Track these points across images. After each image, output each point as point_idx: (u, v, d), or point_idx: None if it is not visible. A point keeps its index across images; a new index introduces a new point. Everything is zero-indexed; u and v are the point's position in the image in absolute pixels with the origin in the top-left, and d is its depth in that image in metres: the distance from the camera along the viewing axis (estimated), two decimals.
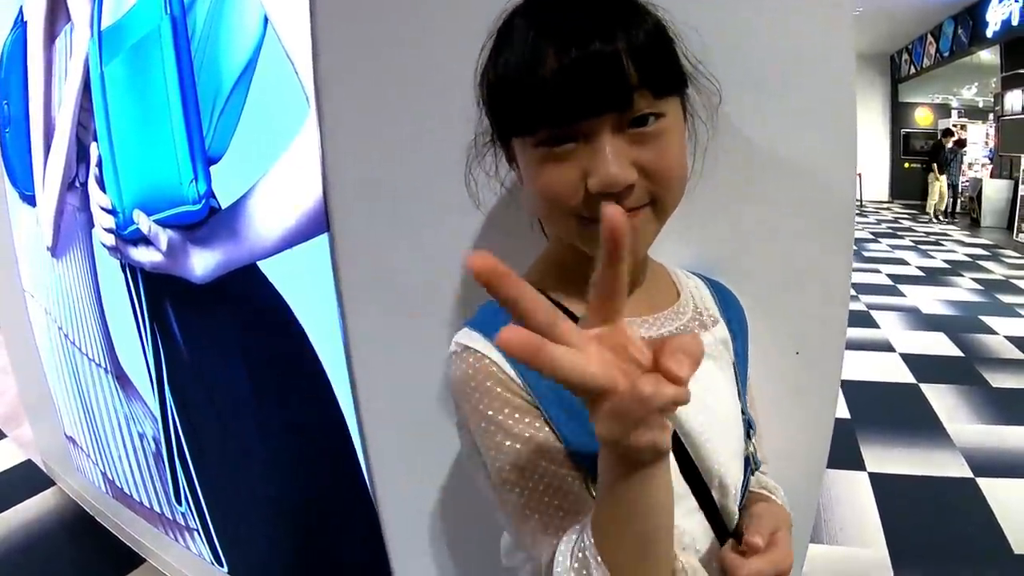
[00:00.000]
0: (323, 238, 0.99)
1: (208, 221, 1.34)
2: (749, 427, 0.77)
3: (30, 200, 2.18)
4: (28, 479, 3.02)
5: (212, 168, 1.30)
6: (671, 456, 0.64)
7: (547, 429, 0.62)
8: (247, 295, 1.30)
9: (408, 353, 1.01)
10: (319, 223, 0.99)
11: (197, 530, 1.89)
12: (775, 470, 0.90)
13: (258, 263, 1.25)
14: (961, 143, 11.64)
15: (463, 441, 0.69)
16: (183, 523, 1.96)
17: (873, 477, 2.88)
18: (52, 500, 2.84)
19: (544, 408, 0.63)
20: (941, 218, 11.45)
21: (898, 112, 14.41)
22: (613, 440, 0.44)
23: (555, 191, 0.61)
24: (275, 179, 1.13)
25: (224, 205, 1.29)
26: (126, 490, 2.26)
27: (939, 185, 11.52)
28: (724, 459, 0.70)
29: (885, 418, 3.44)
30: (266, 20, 1.07)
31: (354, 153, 0.96)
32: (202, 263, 1.40)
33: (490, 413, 0.62)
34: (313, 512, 1.44)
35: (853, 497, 2.73)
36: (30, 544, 2.52)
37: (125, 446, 2.13)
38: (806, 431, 0.95)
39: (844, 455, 3.08)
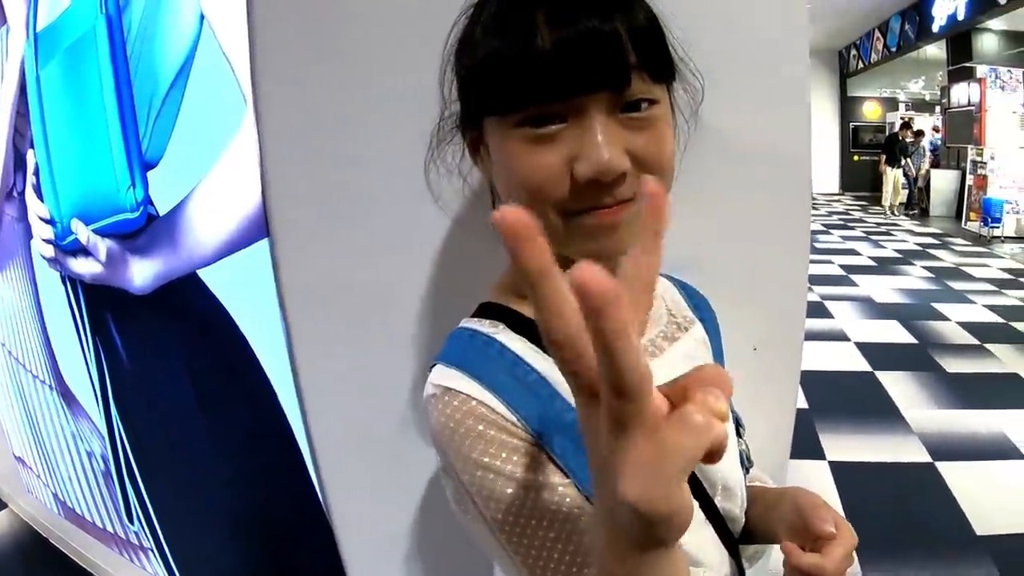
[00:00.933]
0: (263, 244, 0.95)
1: (146, 229, 1.30)
2: (737, 424, 0.74)
3: None
4: None
5: (149, 174, 1.25)
6: None
7: (551, 467, 0.56)
8: (188, 306, 1.26)
9: (355, 361, 0.98)
10: (259, 228, 0.96)
11: (151, 549, 1.83)
12: None
13: (198, 272, 1.20)
14: (920, 134, 11.55)
15: (448, 488, 0.61)
16: (137, 543, 1.90)
17: (833, 466, 2.93)
18: (5, 523, 2.74)
19: (546, 442, 0.56)
20: (896, 212, 11.32)
21: (847, 106, 14.82)
22: (661, 491, 0.32)
23: (538, 178, 0.54)
24: (213, 184, 1.09)
25: (162, 212, 1.25)
26: (78, 510, 2.19)
27: (892, 178, 11.44)
28: (723, 462, 0.66)
29: (843, 407, 3.50)
30: (202, 17, 1.03)
31: (294, 154, 0.93)
32: (141, 273, 1.35)
33: (485, 459, 0.55)
34: (267, 526, 1.39)
35: (813, 486, 2.71)
36: None
37: (74, 465, 2.06)
38: (768, 429, 0.94)
39: (804, 445, 3.12)
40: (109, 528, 2.03)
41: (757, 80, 0.82)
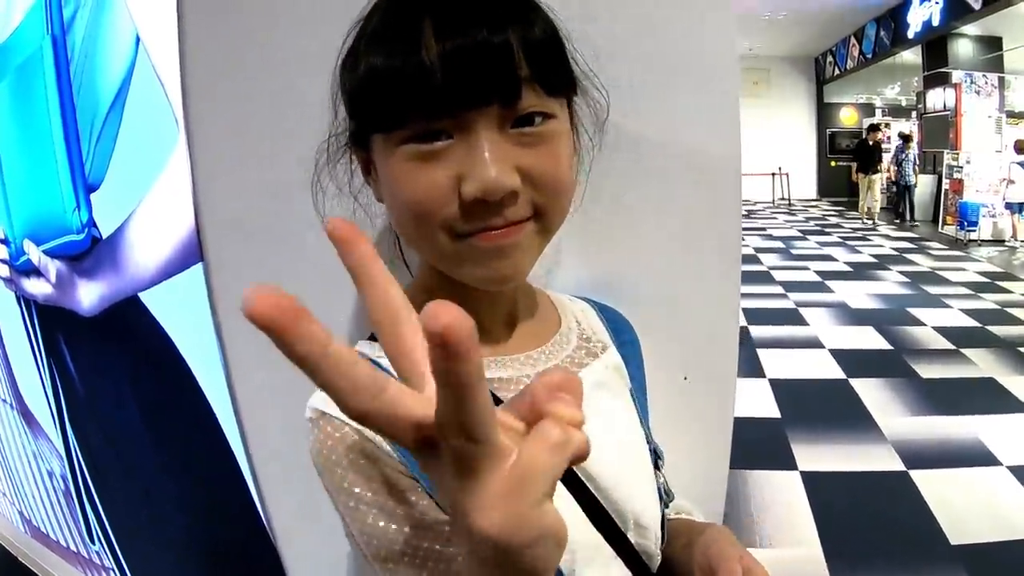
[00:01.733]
0: (198, 267, 0.95)
1: (92, 251, 1.28)
2: (656, 456, 0.70)
3: None
4: None
5: (92, 196, 1.24)
6: (575, 502, 0.59)
7: (427, 501, 0.53)
8: (131, 328, 1.25)
9: (291, 382, 0.97)
10: (192, 252, 0.95)
11: (112, 570, 1.81)
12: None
13: (140, 295, 1.19)
14: (907, 139, 10.95)
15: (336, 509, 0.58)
16: (99, 562, 1.88)
17: (805, 476, 2.91)
18: None
19: (421, 477, 0.53)
20: (874, 222, 10.99)
21: (824, 112, 15.00)
22: (516, 523, 0.29)
23: (422, 198, 0.52)
24: (149, 207, 1.09)
25: (105, 235, 1.24)
26: (43, 529, 2.16)
27: (867, 183, 11.21)
28: (637, 496, 0.63)
29: (816, 415, 3.51)
30: (138, 39, 1.03)
31: (226, 178, 0.92)
32: (88, 295, 1.34)
33: (357, 490, 0.52)
34: (216, 545, 1.38)
35: (786, 498, 2.75)
36: None
37: (37, 484, 2.04)
38: (702, 460, 0.91)
39: (775, 455, 3.11)
40: (72, 547, 2.00)
41: (683, 91, 0.79)
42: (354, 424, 0.49)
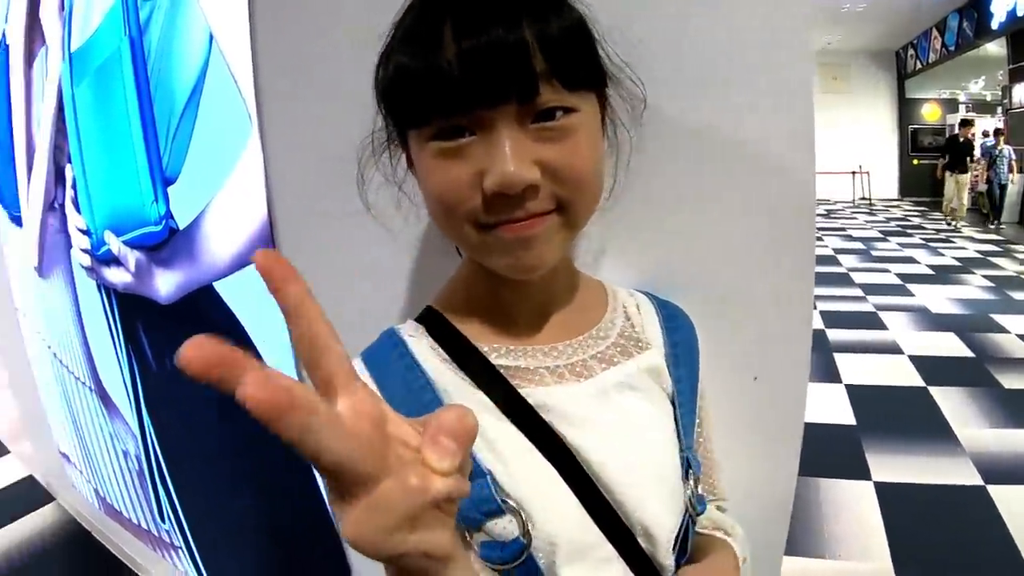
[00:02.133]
0: None
1: (169, 242, 1.33)
2: (688, 467, 0.68)
3: (17, 220, 2.19)
4: (29, 495, 3.03)
5: (170, 189, 1.28)
6: (577, 500, 0.60)
7: None
8: (206, 316, 1.29)
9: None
10: (266, 243, 0.97)
11: (181, 548, 1.88)
12: (740, 504, 0.83)
13: (214, 284, 1.23)
14: (999, 133, 10.12)
15: None
16: (168, 541, 1.95)
17: (879, 486, 2.79)
18: (51, 516, 2.85)
19: None
20: (957, 224, 10.09)
21: (905, 108, 14.32)
22: (364, 543, 0.33)
23: (448, 191, 0.55)
24: (224, 200, 1.12)
25: (182, 226, 1.28)
26: (116, 507, 2.27)
27: (954, 183, 10.32)
28: (648, 502, 0.63)
29: (892, 424, 3.35)
30: (211, 38, 1.05)
31: (297, 170, 0.94)
32: (165, 284, 1.39)
33: None
34: (289, 533, 1.42)
35: (857, 508, 2.64)
36: (29, 560, 2.53)
37: (112, 463, 2.13)
38: (769, 464, 0.88)
39: (848, 464, 2.99)
40: (144, 525, 2.09)
41: (753, 80, 0.77)
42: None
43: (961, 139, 10.47)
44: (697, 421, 0.73)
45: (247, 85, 0.95)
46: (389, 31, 0.59)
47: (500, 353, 0.64)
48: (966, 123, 10.76)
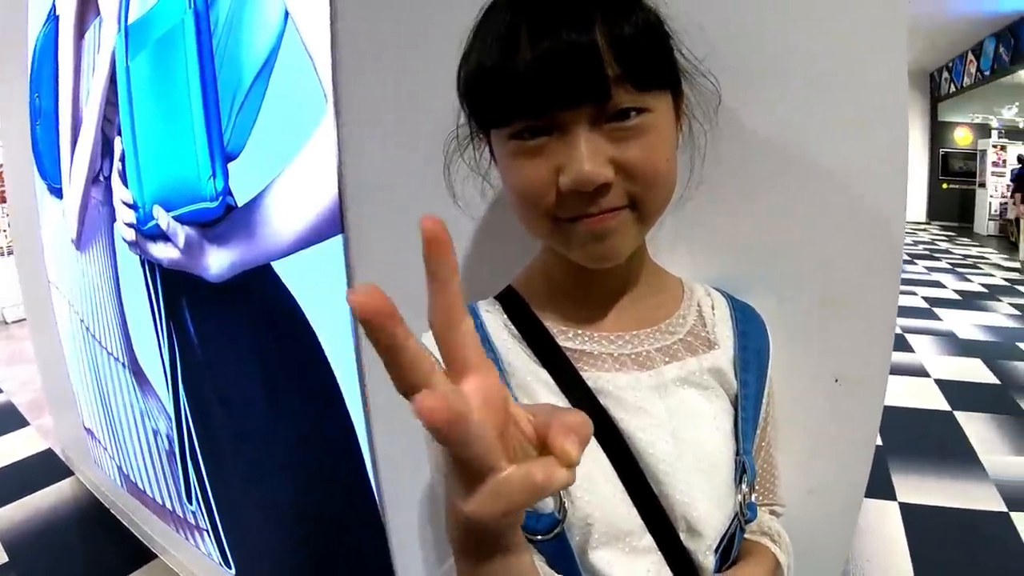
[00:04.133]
0: (337, 240, 0.95)
1: (225, 219, 1.32)
2: (743, 471, 0.68)
3: (57, 192, 2.19)
4: (48, 468, 3.06)
5: (230, 165, 1.27)
6: (625, 490, 0.62)
7: None
8: (260, 296, 1.28)
9: None
10: (334, 224, 0.96)
11: (207, 530, 1.87)
12: (807, 506, 0.84)
13: (272, 264, 1.21)
14: None
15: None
16: (193, 522, 1.95)
17: (904, 507, 2.78)
18: (69, 490, 2.86)
19: None
20: None
21: (937, 131, 14.15)
22: (480, 518, 0.36)
23: (527, 188, 0.57)
24: (291, 178, 1.10)
25: (241, 203, 1.27)
26: (140, 485, 2.26)
27: None
28: (695, 498, 0.63)
29: (918, 446, 3.31)
30: (287, 14, 1.04)
31: (370, 153, 0.93)
32: (217, 262, 1.38)
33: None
34: (321, 519, 1.40)
35: (882, 528, 2.63)
36: (47, 532, 2.54)
37: (140, 442, 2.13)
38: (843, 468, 0.87)
39: (874, 483, 2.91)
40: (168, 505, 2.09)
41: (851, 87, 0.76)
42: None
43: None
44: (761, 426, 0.73)
45: (324, 62, 0.94)
46: (471, 30, 0.60)
47: (568, 336, 0.66)
48: None
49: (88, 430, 2.60)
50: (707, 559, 0.64)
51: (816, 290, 0.82)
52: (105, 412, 2.34)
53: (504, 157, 0.59)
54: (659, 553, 0.62)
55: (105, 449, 2.47)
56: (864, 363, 0.84)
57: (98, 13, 1.76)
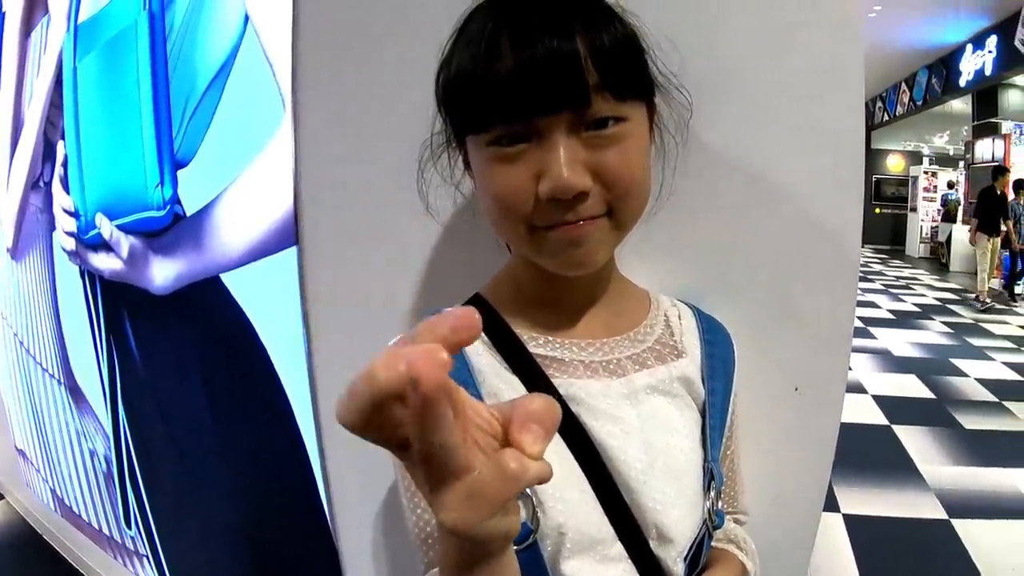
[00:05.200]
0: (290, 251, 0.93)
1: (171, 228, 1.28)
2: (710, 478, 0.68)
3: None
4: None
5: (179, 173, 1.23)
6: (593, 494, 0.62)
7: None
8: (207, 309, 1.23)
9: None
10: (288, 235, 0.93)
11: (147, 556, 1.79)
12: (771, 513, 0.85)
13: (221, 275, 1.18)
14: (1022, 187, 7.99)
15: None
16: (132, 548, 1.86)
17: (848, 519, 2.86)
18: (0, 515, 2.71)
19: None
20: (989, 301, 7.63)
21: (871, 158, 14.79)
22: (466, 527, 0.34)
23: (505, 194, 0.57)
24: (244, 187, 1.07)
25: (189, 212, 1.23)
26: (75, 509, 2.16)
27: (990, 250, 7.92)
28: (666, 506, 0.63)
29: (859, 460, 3.42)
30: (247, 18, 1.02)
31: (327, 161, 0.91)
32: (162, 273, 1.33)
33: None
34: (269, 542, 1.35)
35: (828, 540, 2.70)
36: None
37: (75, 463, 2.04)
38: (803, 475, 0.90)
39: None
40: (105, 530, 2.00)
41: (809, 104, 0.80)
42: None
43: (998, 191, 7.92)
44: (727, 435, 0.74)
45: (283, 68, 0.92)
46: (452, 35, 0.60)
47: (539, 343, 0.66)
48: (1002, 171, 8.25)
49: (20, 451, 2.48)
50: (677, 567, 0.64)
51: (777, 302, 0.85)
52: (39, 432, 2.24)
53: (482, 164, 0.59)
54: (629, 561, 0.62)
55: (38, 471, 2.36)
56: (822, 372, 0.86)
57: (46, 11, 1.70)
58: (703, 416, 0.71)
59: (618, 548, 0.62)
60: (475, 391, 0.63)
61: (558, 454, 0.61)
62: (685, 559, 0.66)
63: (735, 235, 0.83)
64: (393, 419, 0.32)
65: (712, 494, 0.68)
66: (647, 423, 0.65)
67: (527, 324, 0.67)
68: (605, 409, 0.64)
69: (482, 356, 0.65)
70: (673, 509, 0.63)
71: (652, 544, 0.63)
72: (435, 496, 0.34)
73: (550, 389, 0.63)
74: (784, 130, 0.80)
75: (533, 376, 0.64)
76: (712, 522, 0.68)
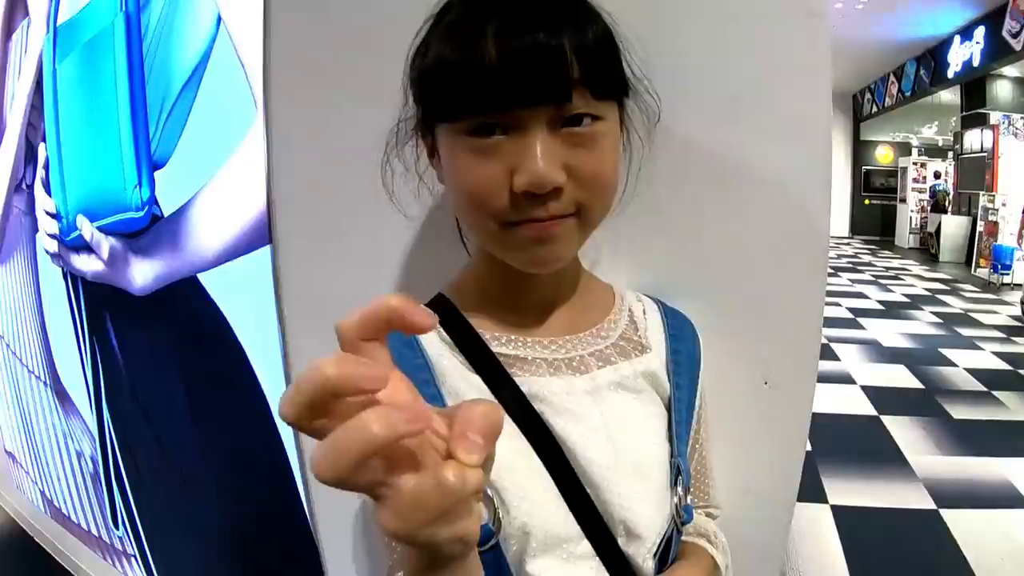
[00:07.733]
0: (265, 250, 0.93)
1: (150, 229, 1.28)
2: (677, 474, 0.68)
3: None
4: None
5: (157, 174, 1.23)
6: (561, 496, 0.62)
7: None
8: (186, 309, 1.24)
9: None
10: (261, 234, 0.94)
11: (134, 556, 1.80)
12: (743, 507, 0.86)
13: (199, 276, 1.18)
14: None
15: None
16: (120, 548, 1.86)
17: (835, 509, 2.86)
18: None
19: None
20: None
21: (859, 150, 14.83)
22: (408, 535, 0.34)
23: (478, 188, 0.56)
24: (218, 188, 1.08)
25: (167, 213, 1.23)
26: (64, 510, 2.16)
27: None
28: (633, 502, 0.64)
29: (847, 450, 3.43)
30: (219, 19, 1.02)
31: (300, 161, 0.91)
32: (142, 274, 1.33)
33: None
34: (253, 541, 1.36)
35: (816, 530, 2.70)
36: None
37: (63, 464, 2.04)
38: (775, 469, 0.90)
39: (806, 487, 3.01)
40: (93, 531, 2.00)
41: (775, 97, 0.80)
42: None
43: None
44: (694, 428, 0.74)
45: (255, 69, 0.92)
46: (427, 23, 0.59)
47: (501, 342, 0.66)
48: None
49: (9, 453, 2.47)
50: (646, 563, 0.64)
51: (744, 295, 0.85)
52: (26, 433, 2.24)
53: (454, 154, 0.57)
54: (597, 559, 0.62)
55: (27, 473, 2.35)
56: (791, 365, 0.86)
57: (27, 14, 1.69)
58: (669, 411, 0.71)
59: (585, 546, 0.62)
60: (435, 391, 0.63)
61: (521, 453, 0.62)
62: (654, 555, 0.66)
63: (702, 229, 0.84)
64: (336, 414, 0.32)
65: (680, 489, 0.67)
66: (611, 420, 0.65)
67: (490, 323, 0.67)
68: (568, 407, 0.64)
69: (444, 357, 0.65)
70: (640, 505, 0.64)
71: (620, 541, 0.63)
72: (380, 502, 0.34)
73: (512, 388, 0.63)
74: (751, 124, 0.80)
75: (495, 375, 0.64)
76: (680, 517, 0.68)
